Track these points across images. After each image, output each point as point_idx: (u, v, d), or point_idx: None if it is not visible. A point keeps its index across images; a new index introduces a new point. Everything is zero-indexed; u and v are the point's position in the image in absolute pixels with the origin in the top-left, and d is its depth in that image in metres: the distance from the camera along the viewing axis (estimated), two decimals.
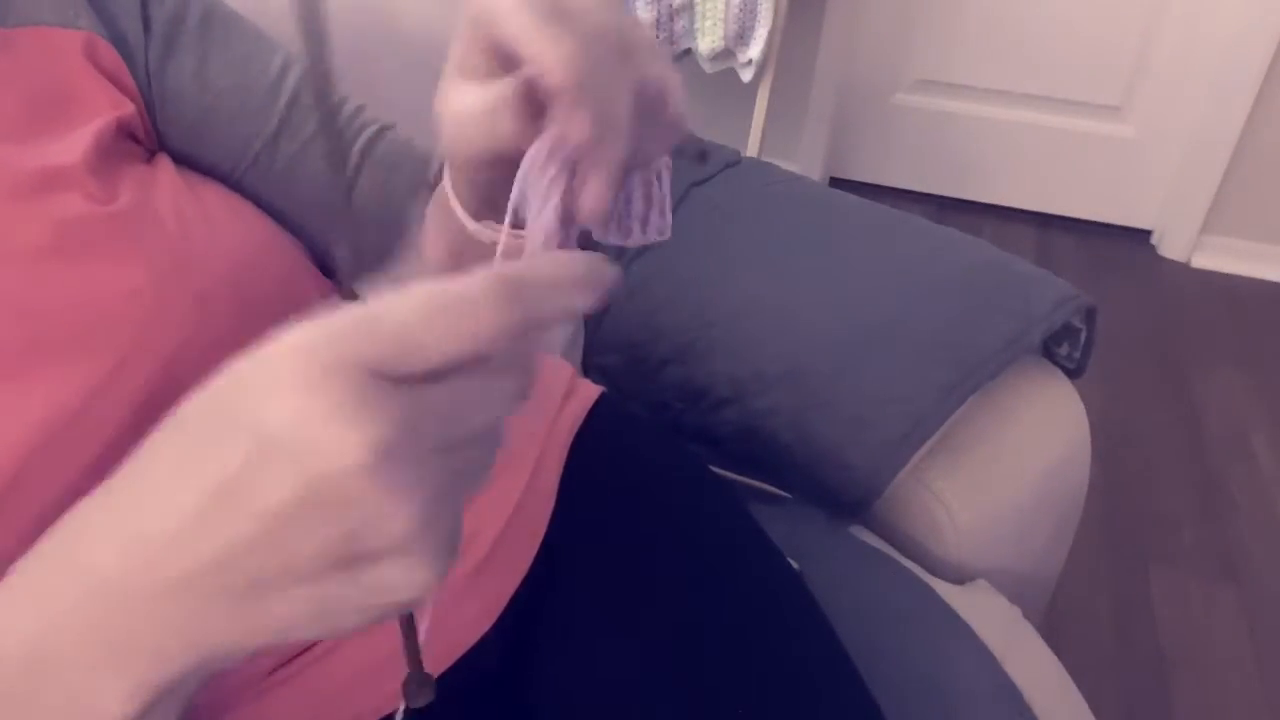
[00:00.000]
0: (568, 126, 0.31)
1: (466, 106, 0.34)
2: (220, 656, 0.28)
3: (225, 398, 0.27)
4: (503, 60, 0.34)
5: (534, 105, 0.33)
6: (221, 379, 0.27)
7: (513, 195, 0.32)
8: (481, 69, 0.35)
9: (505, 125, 0.34)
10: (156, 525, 0.27)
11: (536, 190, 0.32)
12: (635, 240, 0.37)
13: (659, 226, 0.37)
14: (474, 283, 0.26)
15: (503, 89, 0.33)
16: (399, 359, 0.25)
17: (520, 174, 0.32)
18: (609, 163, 0.32)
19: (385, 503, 0.25)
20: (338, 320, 0.25)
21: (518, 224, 0.33)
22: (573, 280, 0.28)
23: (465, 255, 0.43)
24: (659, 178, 0.37)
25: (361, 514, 0.25)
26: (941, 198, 2.32)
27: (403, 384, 0.25)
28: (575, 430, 0.64)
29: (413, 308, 0.25)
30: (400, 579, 0.26)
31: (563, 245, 0.33)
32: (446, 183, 0.41)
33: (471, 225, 0.41)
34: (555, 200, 0.32)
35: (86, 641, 0.28)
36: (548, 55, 0.31)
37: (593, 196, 0.32)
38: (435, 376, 0.26)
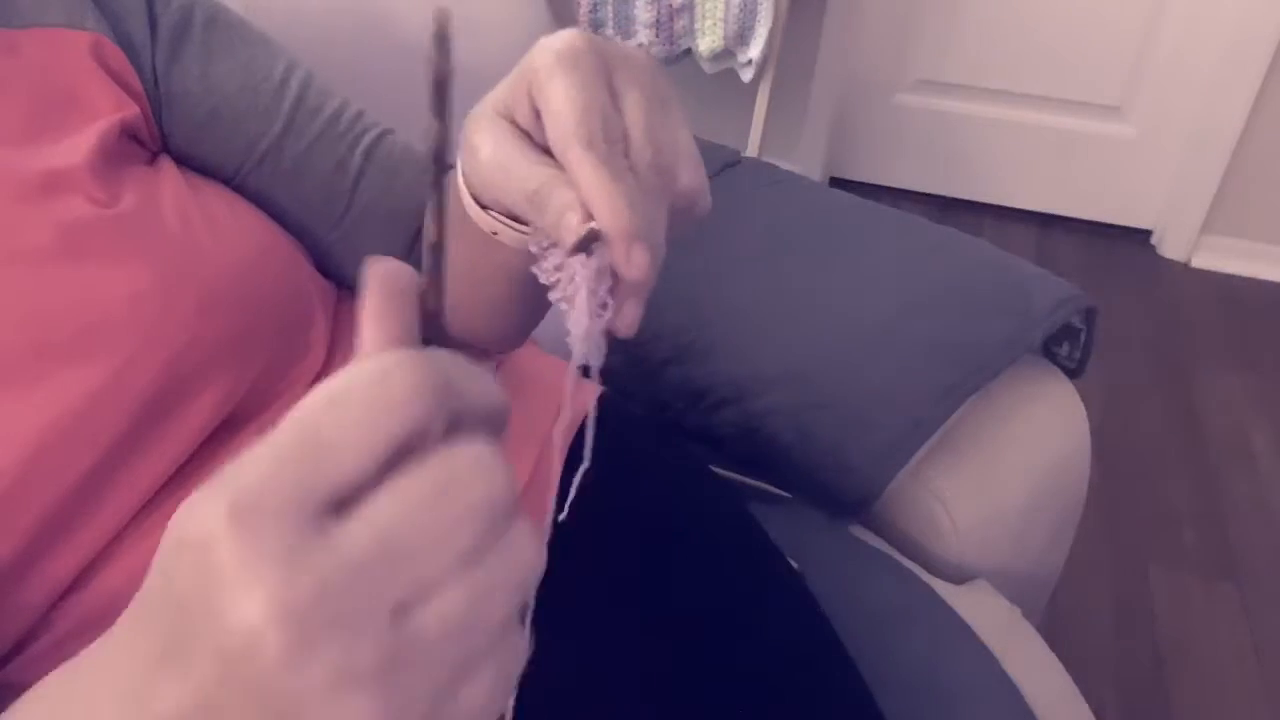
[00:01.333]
0: (624, 267, 0.32)
1: (510, 175, 0.35)
2: None
3: (157, 570, 0.23)
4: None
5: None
6: (160, 549, 0.23)
7: (556, 298, 0.34)
8: (524, 116, 0.35)
9: (547, 218, 0.34)
10: (109, 711, 0.24)
11: (580, 304, 0.33)
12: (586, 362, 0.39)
13: (599, 352, 0.39)
14: (364, 360, 0.22)
15: (547, 181, 0.34)
16: (311, 475, 0.21)
17: (565, 284, 0.34)
18: (645, 288, 0.33)
19: (315, 684, 0.20)
20: (241, 462, 0.21)
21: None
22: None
23: (465, 240, 0.43)
24: None
25: (295, 700, 0.20)
26: (941, 198, 2.32)
27: (325, 521, 0.21)
28: (575, 431, 0.64)
29: (308, 408, 0.21)
30: None
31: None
32: (461, 185, 0.42)
33: (475, 211, 0.42)
34: (602, 321, 0.34)
35: None
36: (606, 205, 0.32)
37: (630, 320, 0.34)
38: (362, 497, 0.21)
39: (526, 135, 0.36)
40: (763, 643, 0.57)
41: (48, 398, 0.42)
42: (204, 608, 0.21)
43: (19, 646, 0.43)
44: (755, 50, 1.73)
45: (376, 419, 0.21)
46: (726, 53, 1.77)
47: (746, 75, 1.78)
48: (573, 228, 0.32)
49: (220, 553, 0.20)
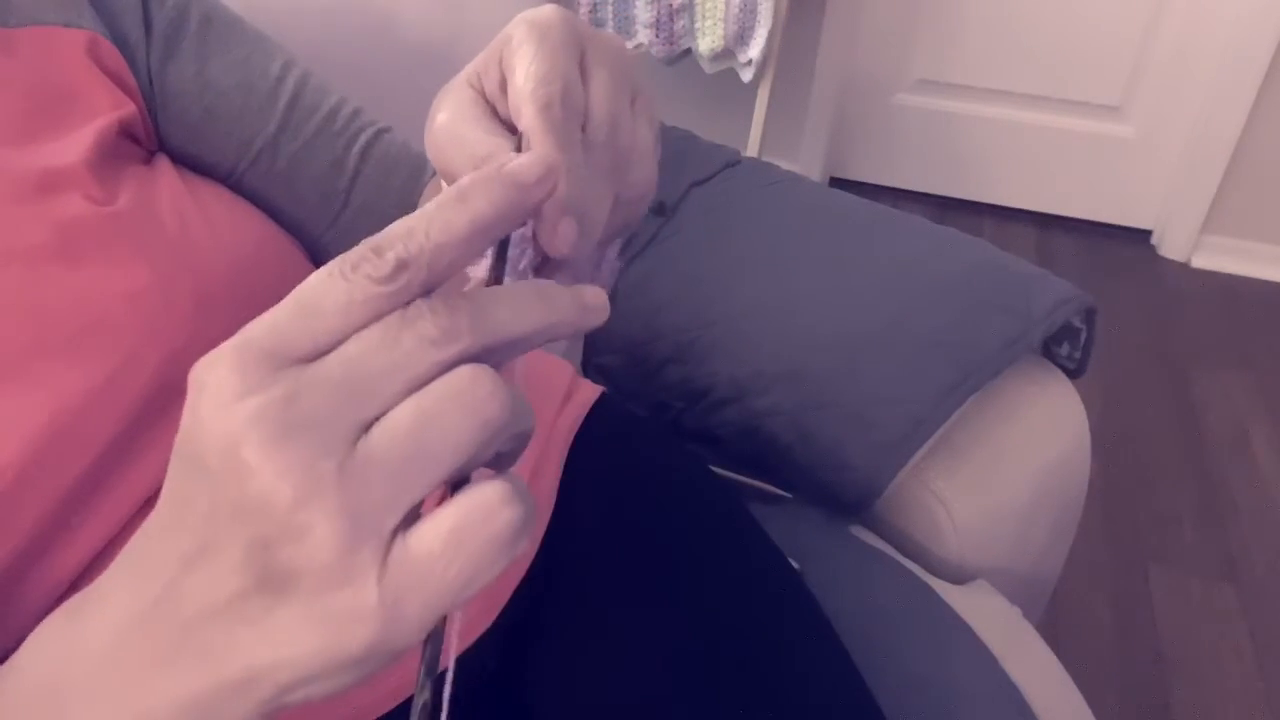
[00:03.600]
0: (548, 238, 0.30)
1: (462, 141, 0.34)
2: (219, 716, 0.26)
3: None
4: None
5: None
6: None
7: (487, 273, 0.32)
8: (492, 85, 0.35)
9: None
10: (143, 551, 0.27)
11: (484, 263, 0.31)
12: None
13: (611, 268, 0.38)
14: (364, 244, 0.25)
15: (497, 150, 0.33)
16: (295, 327, 0.24)
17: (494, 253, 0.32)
18: (572, 269, 0.32)
19: (281, 483, 0.23)
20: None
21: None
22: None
23: None
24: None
25: (262, 504, 0.23)
26: (941, 198, 2.32)
27: (301, 361, 0.24)
28: (575, 430, 0.64)
29: (310, 281, 0.25)
30: (333, 592, 0.23)
31: None
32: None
33: None
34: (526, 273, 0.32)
35: (94, 677, 0.28)
36: (549, 158, 0.31)
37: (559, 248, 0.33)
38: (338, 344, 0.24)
39: (492, 107, 0.35)
40: (762, 643, 0.57)
41: (46, 396, 0.42)
42: (195, 435, 0.24)
43: (20, 645, 0.43)
44: (755, 50, 1.73)
45: (351, 285, 0.24)
46: (726, 53, 1.77)
47: (746, 75, 1.78)
48: None
49: (209, 386, 0.23)
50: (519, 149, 0.33)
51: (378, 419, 0.24)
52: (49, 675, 0.29)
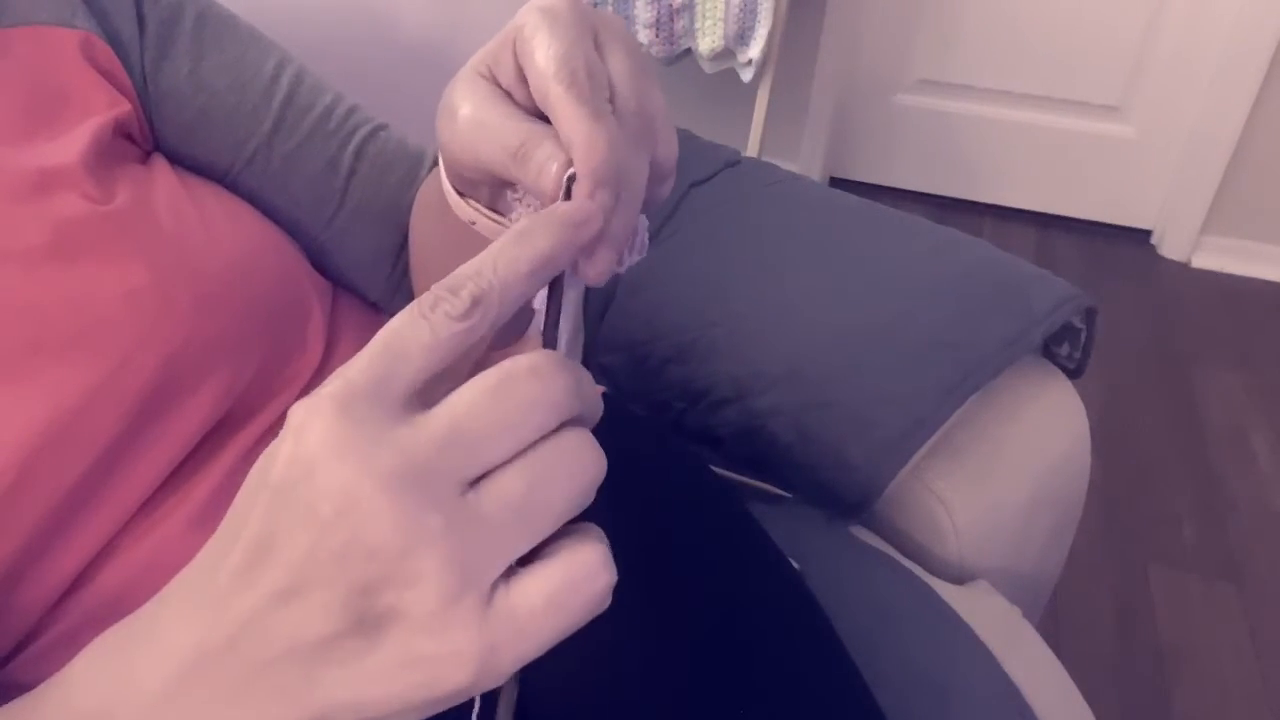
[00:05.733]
0: (586, 207, 0.31)
1: (493, 132, 0.34)
2: None
3: (252, 473, 0.26)
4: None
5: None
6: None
7: (544, 303, 0.33)
8: (507, 75, 0.35)
9: (529, 172, 0.33)
10: (208, 591, 0.26)
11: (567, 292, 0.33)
12: (620, 269, 0.37)
13: (640, 246, 0.38)
14: (438, 287, 0.26)
15: (531, 136, 0.33)
16: (398, 373, 0.25)
17: None
18: (617, 239, 0.32)
19: (393, 536, 0.23)
20: (340, 368, 0.25)
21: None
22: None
23: (453, 238, 0.43)
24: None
25: (371, 553, 0.24)
26: (941, 198, 2.32)
27: (410, 411, 0.25)
28: None
29: (399, 319, 0.25)
30: (433, 640, 0.24)
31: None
32: (441, 167, 0.41)
33: (453, 199, 0.41)
34: (577, 287, 0.33)
35: (147, 715, 0.28)
36: (583, 139, 0.31)
37: (599, 271, 0.32)
38: (445, 394, 0.25)
39: (509, 95, 0.35)
40: (763, 643, 0.57)
41: (45, 396, 0.42)
42: (299, 481, 0.24)
43: (20, 646, 0.43)
44: (755, 50, 1.73)
45: (448, 341, 0.25)
46: (726, 53, 1.77)
47: (746, 75, 1.78)
48: (553, 175, 0.32)
49: (316, 433, 0.24)
50: (554, 131, 0.33)
51: (485, 474, 0.25)
52: (96, 711, 0.29)
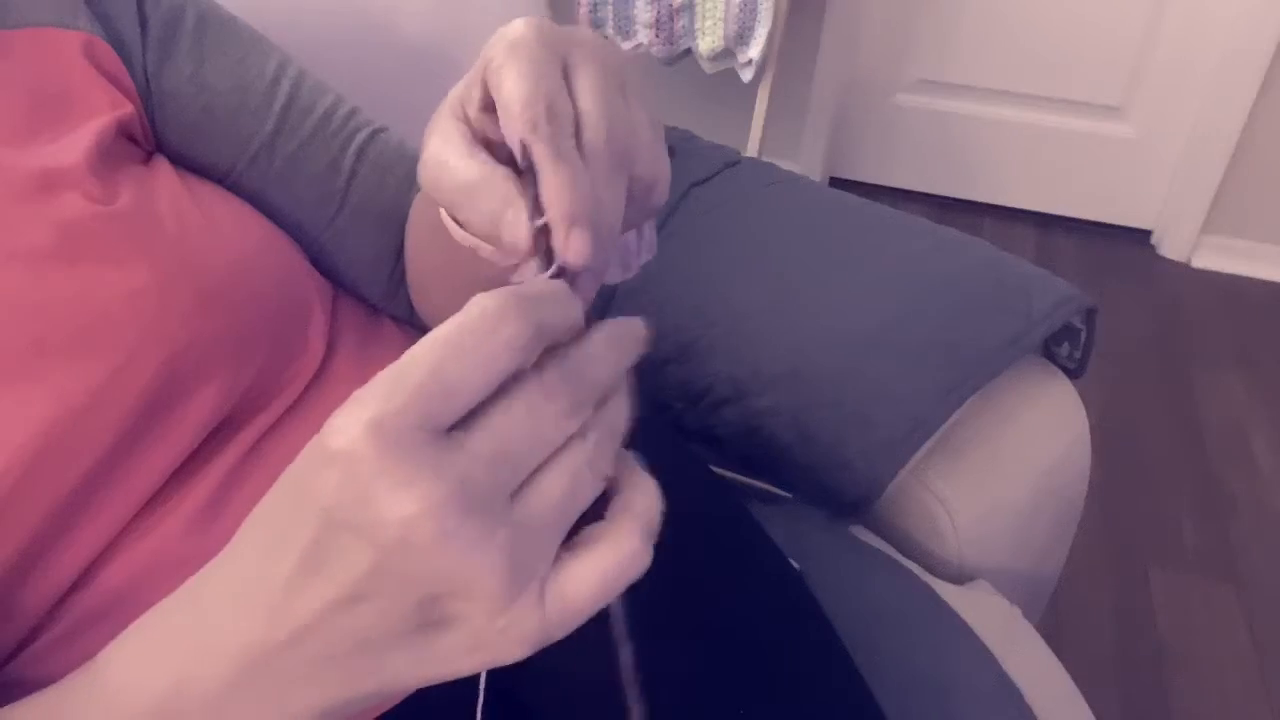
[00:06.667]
0: (565, 250, 0.31)
1: (449, 170, 0.34)
2: (341, 714, 0.30)
3: (290, 489, 0.28)
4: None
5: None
6: (284, 476, 0.28)
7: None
8: (475, 110, 0.35)
9: (476, 214, 0.34)
10: (260, 598, 0.28)
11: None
12: (631, 273, 0.38)
13: (649, 246, 0.38)
14: (474, 308, 0.27)
15: (492, 178, 0.33)
16: (439, 406, 0.25)
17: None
18: (599, 268, 0.33)
19: (458, 559, 0.25)
20: (372, 390, 0.26)
21: None
22: (564, 290, 0.29)
23: (448, 249, 0.43)
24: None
25: (437, 574, 0.25)
26: (941, 198, 2.32)
27: (450, 435, 0.26)
28: None
29: (431, 351, 0.26)
30: (496, 632, 0.27)
31: None
32: None
33: (452, 227, 0.40)
34: None
35: (211, 710, 0.30)
36: (550, 187, 0.31)
37: (583, 294, 0.33)
38: (478, 415, 0.26)
39: (481, 132, 0.35)
40: (763, 643, 0.57)
41: (48, 396, 0.42)
42: (356, 508, 0.25)
43: (22, 644, 0.43)
44: (755, 50, 1.73)
45: (489, 362, 0.26)
46: (726, 53, 1.77)
47: (746, 75, 1.78)
48: (515, 224, 0.32)
49: (369, 463, 0.25)
50: (516, 169, 0.33)
51: (525, 483, 0.27)
52: (154, 709, 0.31)
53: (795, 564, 0.64)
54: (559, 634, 0.28)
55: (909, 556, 0.79)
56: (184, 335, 0.46)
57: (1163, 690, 1.30)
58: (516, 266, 0.34)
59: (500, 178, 0.33)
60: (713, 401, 0.84)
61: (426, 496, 0.24)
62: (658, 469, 0.64)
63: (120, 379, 0.44)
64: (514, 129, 0.32)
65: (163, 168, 0.53)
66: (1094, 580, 1.45)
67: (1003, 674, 0.68)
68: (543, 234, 0.32)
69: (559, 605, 0.27)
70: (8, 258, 0.44)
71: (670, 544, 0.61)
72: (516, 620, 0.27)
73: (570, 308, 0.28)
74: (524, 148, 0.32)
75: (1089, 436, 0.88)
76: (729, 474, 0.81)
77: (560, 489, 0.27)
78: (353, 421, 0.25)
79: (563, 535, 0.28)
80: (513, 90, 0.32)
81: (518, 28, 0.34)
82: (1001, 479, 0.83)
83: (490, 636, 0.27)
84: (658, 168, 0.36)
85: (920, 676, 0.67)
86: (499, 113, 0.33)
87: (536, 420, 0.27)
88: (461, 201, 0.34)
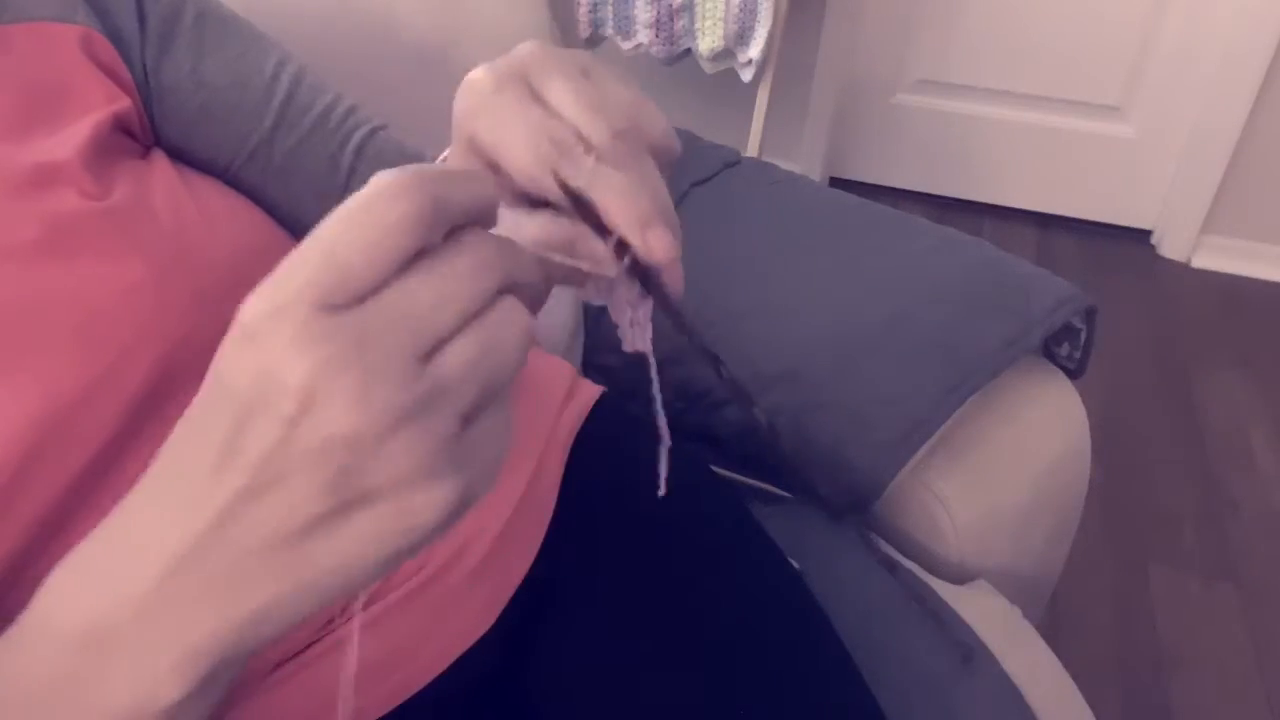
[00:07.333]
0: (650, 252, 0.32)
1: (520, 227, 0.34)
2: (274, 621, 0.28)
3: (207, 385, 0.28)
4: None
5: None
6: (207, 374, 0.28)
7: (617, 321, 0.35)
8: (484, 165, 0.35)
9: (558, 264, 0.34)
10: (183, 492, 0.28)
11: (623, 307, 0.35)
12: (644, 345, 0.38)
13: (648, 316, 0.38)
14: (370, 186, 0.27)
15: (551, 228, 0.34)
16: (335, 282, 0.26)
17: (611, 303, 0.35)
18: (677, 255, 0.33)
19: (361, 421, 0.25)
20: (274, 274, 0.27)
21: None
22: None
23: None
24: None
25: (343, 441, 0.25)
26: (941, 198, 2.32)
27: (349, 307, 0.26)
28: (576, 431, 0.64)
29: (328, 231, 0.27)
30: (417, 502, 0.26)
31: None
32: None
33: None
34: (649, 303, 0.35)
35: (144, 616, 0.28)
36: (602, 199, 0.31)
37: (677, 287, 0.34)
38: (381, 288, 0.26)
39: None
40: (763, 643, 0.57)
41: (42, 391, 0.42)
42: (260, 385, 0.25)
43: None
44: (755, 50, 1.73)
45: (384, 238, 0.26)
46: (726, 53, 1.77)
47: (746, 75, 1.78)
48: (602, 258, 0.32)
49: (271, 340, 0.25)
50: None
51: (437, 347, 0.26)
52: (85, 626, 0.29)
53: (795, 564, 0.64)
54: (477, 491, 0.27)
55: (909, 556, 0.79)
56: (180, 330, 0.46)
57: (1163, 690, 1.30)
58: (613, 291, 0.34)
59: (549, 222, 0.33)
60: (713, 401, 0.84)
61: (321, 359, 0.24)
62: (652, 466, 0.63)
63: (115, 375, 0.44)
64: (535, 176, 0.32)
65: (160, 162, 0.53)
66: (1094, 580, 1.45)
67: (1003, 674, 0.68)
68: (620, 249, 0.32)
69: (470, 461, 0.27)
70: (1, 253, 0.44)
71: (670, 544, 0.61)
72: (433, 486, 0.26)
73: (477, 185, 0.28)
74: (559, 185, 0.32)
75: (1089, 436, 0.88)
76: (729, 474, 0.81)
77: (472, 352, 0.27)
78: (256, 305, 0.26)
79: (476, 403, 0.27)
80: (512, 146, 0.32)
81: (473, 87, 0.34)
82: (1001, 479, 0.83)
83: (408, 507, 0.26)
84: (657, 123, 0.35)
85: (920, 676, 0.67)
86: (512, 172, 0.33)
87: (437, 286, 0.26)
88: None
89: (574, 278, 0.34)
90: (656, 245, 0.31)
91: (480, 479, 0.27)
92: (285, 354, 0.25)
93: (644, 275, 0.33)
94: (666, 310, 0.35)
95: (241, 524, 0.27)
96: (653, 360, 0.36)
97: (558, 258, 0.33)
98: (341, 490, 0.26)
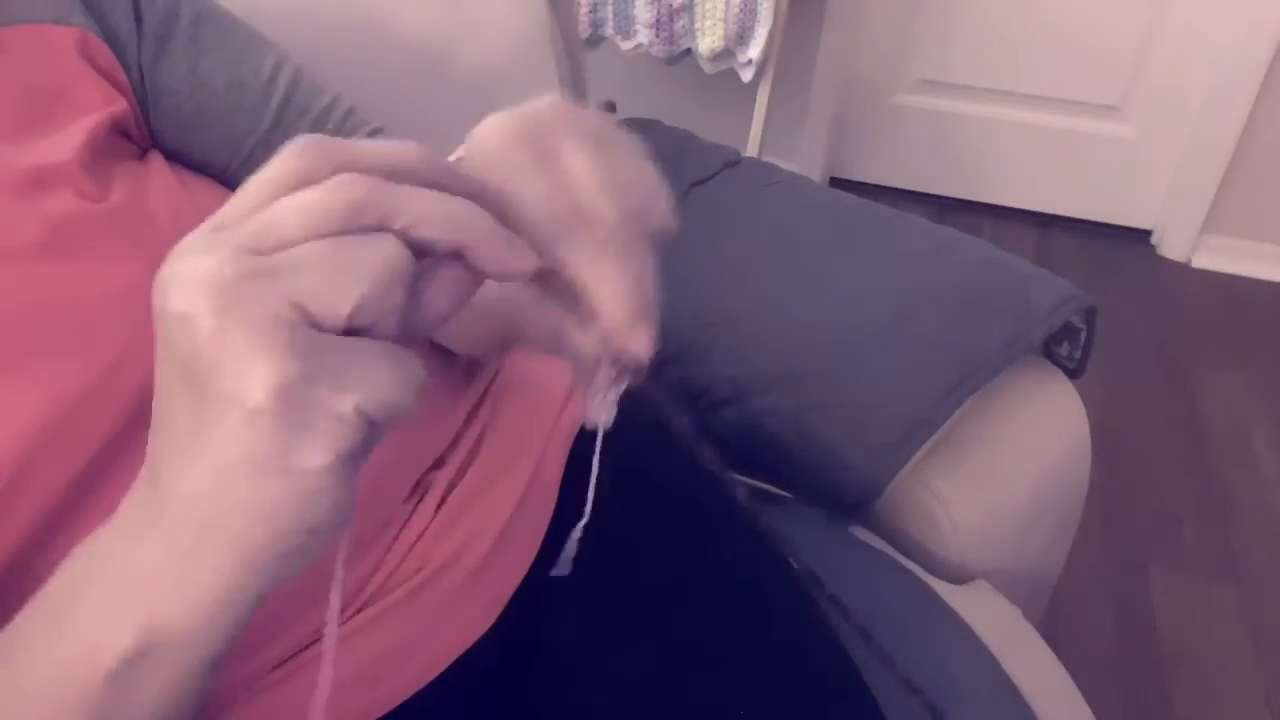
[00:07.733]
0: (635, 351, 0.33)
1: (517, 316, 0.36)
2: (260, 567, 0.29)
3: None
4: None
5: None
6: None
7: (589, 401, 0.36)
8: None
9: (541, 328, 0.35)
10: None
11: (601, 387, 0.36)
12: (606, 421, 0.38)
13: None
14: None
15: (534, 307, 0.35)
16: (224, 211, 0.30)
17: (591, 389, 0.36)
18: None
19: (196, 302, 0.28)
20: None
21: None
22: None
23: None
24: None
25: (179, 319, 0.28)
26: (941, 198, 2.32)
27: (229, 228, 0.29)
28: (576, 431, 0.64)
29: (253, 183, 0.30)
30: (246, 380, 0.27)
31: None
32: None
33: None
34: (622, 385, 0.36)
35: (96, 571, 0.31)
36: (596, 290, 0.32)
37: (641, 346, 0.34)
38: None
39: None
40: (763, 643, 0.57)
41: (41, 393, 0.42)
42: (161, 319, 0.30)
43: None
44: (755, 50, 1.73)
45: (270, 180, 0.30)
46: (726, 53, 1.77)
47: (746, 75, 1.78)
48: (577, 348, 0.33)
49: (164, 282, 0.29)
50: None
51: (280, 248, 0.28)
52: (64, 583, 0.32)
53: (795, 564, 0.64)
54: (372, 404, 0.28)
55: (909, 556, 0.79)
56: None
57: (1163, 690, 1.30)
58: (592, 373, 0.35)
59: (530, 305, 0.34)
60: (713, 401, 0.84)
61: (195, 278, 0.28)
62: (658, 468, 0.63)
63: (114, 376, 0.44)
64: (538, 245, 0.31)
65: (157, 164, 0.53)
66: (1094, 580, 1.45)
67: (1003, 674, 0.68)
68: (602, 339, 0.33)
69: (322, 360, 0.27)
70: (1, 254, 0.44)
71: (670, 544, 0.61)
72: (257, 361, 0.27)
73: (386, 153, 0.30)
74: (556, 263, 0.32)
75: (1089, 436, 0.88)
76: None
77: (309, 251, 0.27)
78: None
79: (326, 302, 0.27)
80: (520, 210, 0.32)
81: (491, 136, 0.33)
82: (1001, 479, 0.83)
83: (241, 386, 0.27)
84: (661, 202, 0.35)
85: (920, 676, 0.67)
86: (517, 233, 0.32)
87: (295, 204, 0.28)
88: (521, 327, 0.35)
89: (553, 351, 0.35)
90: (638, 345, 0.32)
91: (371, 394, 0.27)
92: (172, 278, 0.29)
93: (623, 364, 0.34)
94: (643, 398, 0.36)
95: (159, 466, 0.31)
96: (601, 435, 0.37)
97: (541, 332, 0.34)
98: (194, 389, 0.29)
